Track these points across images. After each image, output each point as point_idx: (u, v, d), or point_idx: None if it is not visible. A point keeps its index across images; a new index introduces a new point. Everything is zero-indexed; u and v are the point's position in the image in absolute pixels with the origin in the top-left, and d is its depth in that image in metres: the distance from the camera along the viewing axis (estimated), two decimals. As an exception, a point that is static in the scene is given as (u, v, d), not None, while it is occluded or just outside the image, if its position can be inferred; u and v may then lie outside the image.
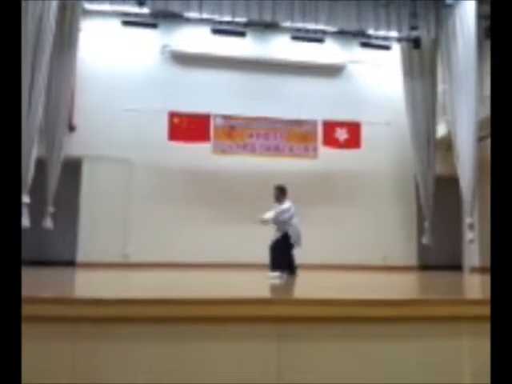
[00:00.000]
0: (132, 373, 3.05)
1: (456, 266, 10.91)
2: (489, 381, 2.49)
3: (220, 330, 3.15)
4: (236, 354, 3.14)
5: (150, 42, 10.82)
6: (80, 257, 10.01)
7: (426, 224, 10.53)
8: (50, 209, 9.28)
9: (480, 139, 9.08)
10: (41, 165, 8.90)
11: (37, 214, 8.95)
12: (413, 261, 11.01)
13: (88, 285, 5.70)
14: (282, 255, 6.88)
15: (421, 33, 10.36)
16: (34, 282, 5.26)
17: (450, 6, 9.85)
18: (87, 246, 10.02)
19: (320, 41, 10.73)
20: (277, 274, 6.64)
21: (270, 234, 7.07)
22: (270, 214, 6.96)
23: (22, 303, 2.52)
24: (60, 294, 4.08)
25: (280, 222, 6.92)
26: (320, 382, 3.20)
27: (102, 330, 3.04)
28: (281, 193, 7.14)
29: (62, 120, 9.46)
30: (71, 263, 9.85)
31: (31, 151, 7.59)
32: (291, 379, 3.17)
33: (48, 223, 9.20)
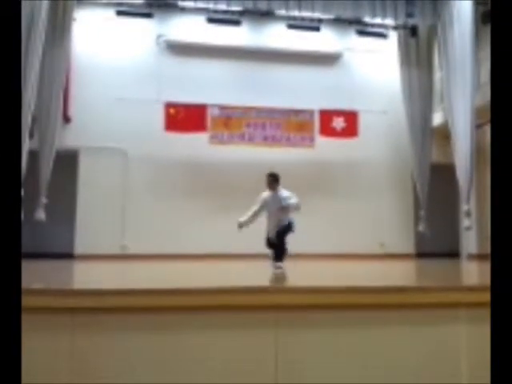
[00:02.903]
0: (131, 362, 3.06)
1: (453, 254, 10.95)
2: (486, 366, 2.50)
3: (218, 319, 3.16)
4: (234, 342, 3.15)
5: (145, 32, 10.73)
6: (78, 249, 10.00)
7: (422, 212, 10.55)
8: (43, 200, 9.23)
9: (477, 127, 9.07)
10: (35, 157, 8.86)
11: (33, 207, 8.93)
12: (410, 249, 11.05)
13: (86, 276, 5.70)
14: (285, 243, 6.81)
15: (417, 20, 10.29)
16: (32, 274, 5.26)
17: (447, -7, 9.78)
18: (85, 238, 10.01)
19: (316, 29, 10.66)
20: (281, 263, 6.53)
21: (265, 223, 7.00)
22: (293, 200, 6.65)
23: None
24: (58, 285, 4.09)
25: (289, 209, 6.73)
26: (317, 369, 3.21)
27: (99, 320, 3.05)
28: (274, 180, 6.91)
29: (54, 111, 9.36)
30: (69, 255, 9.84)
31: (23, 143, 7.54)
32: (288, 366, 3.19)
33: (41, 215, 9.17)
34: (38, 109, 8.87)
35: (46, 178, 9.26)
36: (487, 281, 3.62)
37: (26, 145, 7.69)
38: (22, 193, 7.60)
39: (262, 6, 9.72)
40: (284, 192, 6.84)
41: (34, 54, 7.57)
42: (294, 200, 6.68)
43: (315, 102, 10.66)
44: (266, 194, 6.85)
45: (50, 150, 9.32)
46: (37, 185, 9.14)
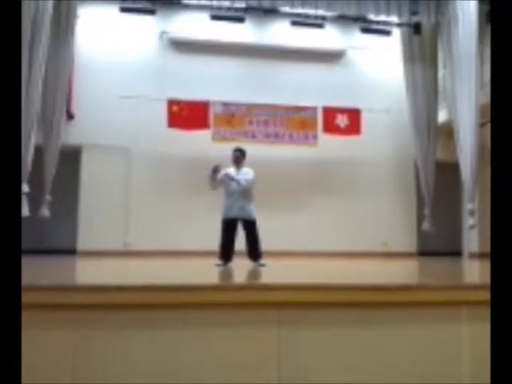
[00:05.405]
0: (133, 359, 3.06)
1: (455, 252, 10.93)
2: (488, 365, 2.50)
3: (219, 316, 3.16)
4: (236, 340, 3.16)
5: (149, 29, 10.72)
6: (80, 245, 10.02)
7: (426, 210, 10.53)
8: (48, 197, 9.26)
9: (481, 125, 9.04)
10: (39, 153, 8.88)
11: (36, 203, 8.96)
12: (413, 247, 11.03)
13: (88, 273, 5.71)
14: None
15: (421, 18, 10.25)
16: (35, 270, 5.28)
17: (451, -9, 9.73)
18: (87, 235, 10.03)
19: (320, 26, 10.63)
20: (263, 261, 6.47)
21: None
22: (250, 176, 6.60)
23: (22, 291, 2.52)
24: (60, 281, 4.10)
25: (249, 191, 6.61)
26: (320, 367, 3.22)
27: (102, 316, 3.05)
28: (242, 156, 6.75)
29: (59, 108, 9.40)
30: (72, 252, 9.87)
31: (29, 140, 7.57)
32: (291, 364, 3.19)
33: (45, 212, 9.20)
34: (42, 106, 8.89)
35: (51, 174, 9.29)
36: (489, 279, 3.62)
37: (32, 142, 7.73)
38: (28, 189, 7.65)
39: (266, 3, 9.71)
40: (245, 169, 6.70)
41: (39, 52, 7.58)
42: (250, 176, 6.56)
43: (318, 99, 10.64)
44: (232, 170, 6.70)
45: (55, 147, 9.35)
46: (41, 181, 9.17)
